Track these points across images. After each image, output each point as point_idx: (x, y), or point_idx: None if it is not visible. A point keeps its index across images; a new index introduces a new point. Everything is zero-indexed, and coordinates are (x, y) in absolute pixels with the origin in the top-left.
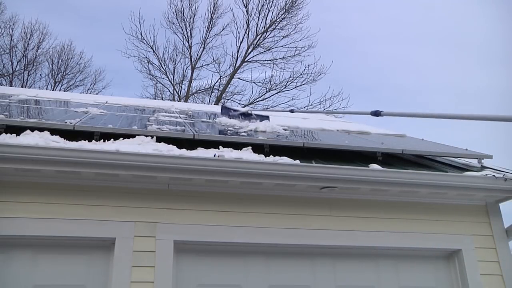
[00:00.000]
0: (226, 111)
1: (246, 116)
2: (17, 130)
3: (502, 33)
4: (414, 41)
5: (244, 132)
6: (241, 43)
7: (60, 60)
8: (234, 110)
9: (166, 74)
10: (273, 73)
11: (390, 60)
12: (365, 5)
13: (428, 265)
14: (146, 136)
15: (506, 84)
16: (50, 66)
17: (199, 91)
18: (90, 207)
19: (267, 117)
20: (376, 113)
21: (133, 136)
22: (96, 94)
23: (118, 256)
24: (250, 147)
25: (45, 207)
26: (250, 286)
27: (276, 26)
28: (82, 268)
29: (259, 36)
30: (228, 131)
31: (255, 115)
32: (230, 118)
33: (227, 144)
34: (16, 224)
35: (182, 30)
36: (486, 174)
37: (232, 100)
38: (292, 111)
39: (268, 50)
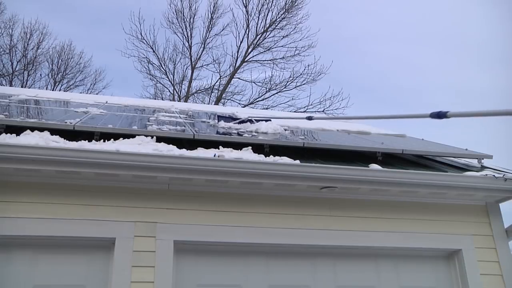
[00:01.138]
0: (224, 120)
1: (247, 123)
2: (17, 130)
3: (502, 33)
4: (414, 42)
5: (245, 132)
6: (241, 43)
7: (60, 60)
8: (233, 119)
9: (166, 74)
10: (273, 73)
11: (390, 60)
12: (365, 5)
13: (428, 265)
14: (146, 136)
15: (506, 85)
16: (50, 66)
17: (199, 91)
18: (90, 207)
19: (268, 120)
20: (439, 115)
21: (133, 136)
22: (96, 94)
23: (118, 256)
24: (250, 147)
25: (45, 207)
26: (250, 286)
27: (276, 26)
28: (82, 268)
29: (259, 36)
30: (228, 132)
31: (256, 120)
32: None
33: (227, 144)
34: (16, 224)
35: (182, 30)
36: (486, 174)
37: (232, 100)
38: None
39: (268, 50)
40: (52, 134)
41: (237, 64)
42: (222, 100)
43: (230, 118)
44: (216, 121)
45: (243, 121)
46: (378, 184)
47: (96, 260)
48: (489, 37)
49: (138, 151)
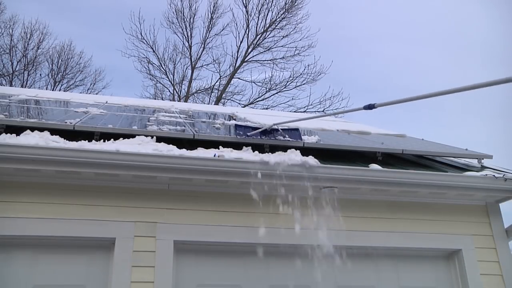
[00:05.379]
0: (243, 131)
1: (270, 134)
2: (17, 130)
3: (502, 33)
4: (416, 42)
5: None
6: (241, 43)
7: (60, 60)
8: (253, 129)
9: (166, 74)
10: (273, 73)
11: (391, 60)
12: (366, 6)
13: (428, 265)
14: (146, 136)
15: (506, 84)
16: (50, 66)
17: (199, 91)
18: (90, 207)
19: (296, 130)
20: (370, 107)
21: (133, 136)
22: (96, 94)
23: (118, 256)
24: (250, 147)
25: (45, 207)
26: (250, 286)
27: (276, 26)
28: (82, 268)
29: (259, 36)
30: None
31: (282, 130)
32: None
33: (227, 144)
34: (16, 224)
35: (182, 30)
36: (486, 174)
37: (232, 100)
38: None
39: (268, 50)
40: (52, 134)
41: (237, 64)
42: (222, 100)
43: (249, 128)
44: (234, 131)
45: (266, 131)
46: (378, 184)
47: (96, 260)
48: (490, 37)
49: (138, 151)
